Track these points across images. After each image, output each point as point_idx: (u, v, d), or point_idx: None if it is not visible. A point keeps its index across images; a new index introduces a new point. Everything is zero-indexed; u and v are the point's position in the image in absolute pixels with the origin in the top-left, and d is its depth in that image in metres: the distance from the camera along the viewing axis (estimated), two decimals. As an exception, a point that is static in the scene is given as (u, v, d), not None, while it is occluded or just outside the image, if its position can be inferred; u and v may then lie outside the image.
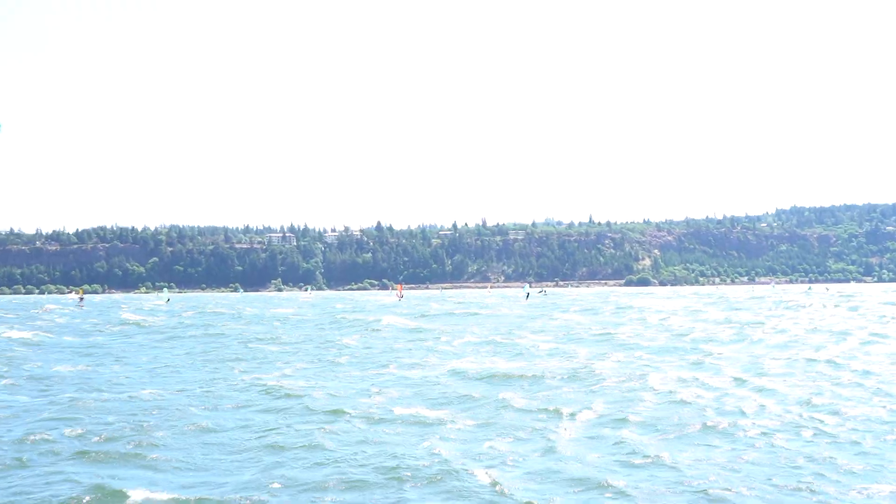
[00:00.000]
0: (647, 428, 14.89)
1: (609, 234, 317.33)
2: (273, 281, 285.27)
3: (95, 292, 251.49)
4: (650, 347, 28.76)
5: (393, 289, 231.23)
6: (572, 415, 16.08)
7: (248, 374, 23.13)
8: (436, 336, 35.51)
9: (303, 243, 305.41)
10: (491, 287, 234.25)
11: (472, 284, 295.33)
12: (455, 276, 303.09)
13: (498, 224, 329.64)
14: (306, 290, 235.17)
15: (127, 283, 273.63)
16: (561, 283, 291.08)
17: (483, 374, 21.77)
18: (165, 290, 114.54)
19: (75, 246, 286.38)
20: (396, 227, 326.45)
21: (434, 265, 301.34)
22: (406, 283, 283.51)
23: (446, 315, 53.57)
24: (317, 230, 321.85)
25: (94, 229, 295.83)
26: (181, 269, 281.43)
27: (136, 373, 23.52)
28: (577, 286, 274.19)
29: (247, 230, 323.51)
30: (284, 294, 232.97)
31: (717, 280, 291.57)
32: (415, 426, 15.33)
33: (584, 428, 15.05)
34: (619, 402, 17.34)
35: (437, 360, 25.64)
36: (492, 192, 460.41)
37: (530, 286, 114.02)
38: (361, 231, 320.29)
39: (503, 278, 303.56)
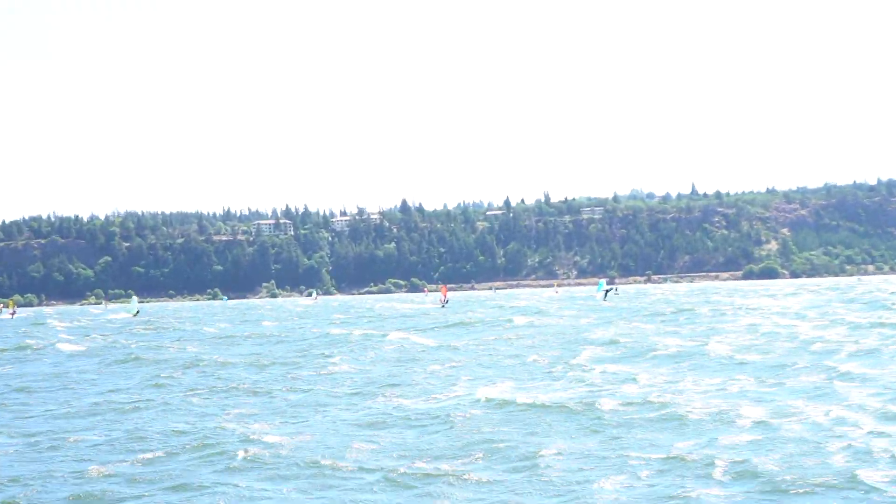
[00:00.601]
0: (739, 484, 14.50)
1: (720, 210, 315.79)
2: (264, 284, 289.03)
3: (30, 304, 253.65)
4: (755, 365, 28.40)
5: (430, 291, 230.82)
6: (636, 465, 15.82)
7: (196, 414, 23.23)
8: (467, 354, 35.59)
9: (303, 232, 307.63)
10: (558, 285, 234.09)
11: (534, 282, 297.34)
12: (510, 272, 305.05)
13: (566, 199, 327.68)
14: (310, 294, 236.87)
15: (70, 291, 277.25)
16: (655, 277, 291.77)
17: (520, 405, 21.67)
18: (135, 298, 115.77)
19: (1, 244, 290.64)
20: (428, 208, 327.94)
21: (481, 257, 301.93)
22: (444, 283, 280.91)
23: (485, 326, 53.53)
24: (321, 214, 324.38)
25: (25, 221, 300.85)
26: (142, 270, 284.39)
27: (43, 416, 23.69)
28: (676, 281, 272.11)
29: (228, 216, 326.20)
30: (280, 300, 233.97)
31: (871, 268, 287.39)
32: (416, 482, 15.21)
33: (649, 485, 14.63)
34: (701, 447, 16.89)
35: (463, 386, 25.81)
36: (556, 156, 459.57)
37: (608, 283, 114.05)
38: (381, 214, 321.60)
39: (575, 273, 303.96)
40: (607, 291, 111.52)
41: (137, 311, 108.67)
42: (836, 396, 21.74)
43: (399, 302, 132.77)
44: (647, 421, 19.39)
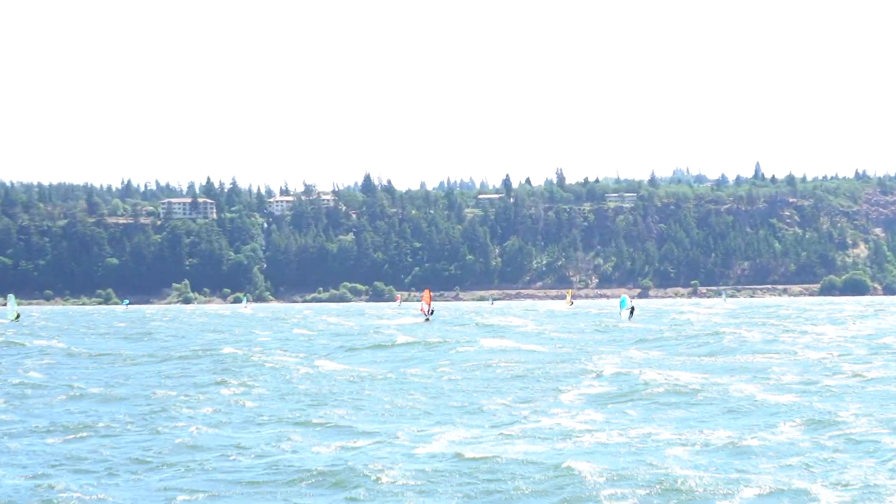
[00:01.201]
0: None
1: (792, 200, 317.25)
2: (175, 285, 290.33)
3: None
4: (793, 413, 28.19)
5: (407, 300, 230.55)
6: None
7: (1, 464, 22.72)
8: (416, 389, 35.92)
9: (229, 216, 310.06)
10: (572, 296, 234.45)
11: (539, 291, 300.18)
12: (508, 277, 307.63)
13: (586, 181, 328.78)
14: (238, 300, 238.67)
15: None
16: (702, 289, 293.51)
17: (469, 463, 21.68)
18: (12, 297, 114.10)
19: None
20: (400, 187, 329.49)
21: (469, 256, 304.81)
22: (418, 290, 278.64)
23: (449, 352, 54.01)
24: (255, 192, 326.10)
25: None
26: (8, 261, 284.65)
27: None
28: (732, 294, 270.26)
29: (128, 191, 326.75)
30: (193, 308, 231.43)
31: None
32: None
33: None
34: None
35: (399, 434, 25.92)
36: (573, 124, 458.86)
37: (630, 299, 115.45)
38: (336, 194, 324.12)
39: (596, 280, 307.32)
40: (632, 309, 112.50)
41: (18, 315, 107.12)
42: (887, 456, 21.65)
43: (348, 317, 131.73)
44: (634, 493, 19.14)
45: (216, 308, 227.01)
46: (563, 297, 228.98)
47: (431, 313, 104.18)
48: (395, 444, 24.20)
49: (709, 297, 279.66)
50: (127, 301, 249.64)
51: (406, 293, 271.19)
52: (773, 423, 26.53)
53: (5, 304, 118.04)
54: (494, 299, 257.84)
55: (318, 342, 66.04)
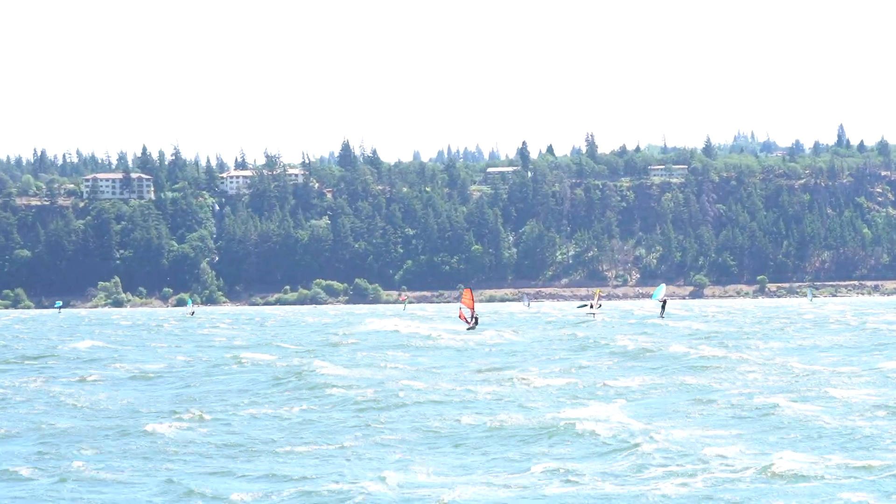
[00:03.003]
0: None
1: (884, 174, 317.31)
2: (102, 283, 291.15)
3: None
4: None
5: (406, 301, 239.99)
6: None
7: None
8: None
9: (172, 196, 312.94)
10: (600, 296, 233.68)
11: (565, 289, 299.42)
12: (525, 273, 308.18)
13: (624, 150, 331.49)
14: (184, 303, 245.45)
15: None
16: (772, 287, 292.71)
17: None
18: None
19: None
20: (387, 158, 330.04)
21: (475, 246, 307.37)
22: (410, 289, 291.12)
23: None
24: (203, 165, 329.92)
25: None
26: None
27: None
28: (814, 294, 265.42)
29: (42, 165, 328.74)
30: (120, 312, 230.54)
31: None
32: None
33: None
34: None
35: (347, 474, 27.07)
36: (606, 81, 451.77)
37: (664, 293, 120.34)
38: (306, 166, 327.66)
39: (637, 276, 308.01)
40: (664, 303, 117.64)
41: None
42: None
43: (300, 330, 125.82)
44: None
45: (155, 311, 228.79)
46: (591, 298, 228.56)
47: (476, 321, 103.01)
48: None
49: (780, 295, 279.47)
50: (59, 304, 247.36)
51: (395, 293, 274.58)
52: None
53: None
54: (531, 300, 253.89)
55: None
